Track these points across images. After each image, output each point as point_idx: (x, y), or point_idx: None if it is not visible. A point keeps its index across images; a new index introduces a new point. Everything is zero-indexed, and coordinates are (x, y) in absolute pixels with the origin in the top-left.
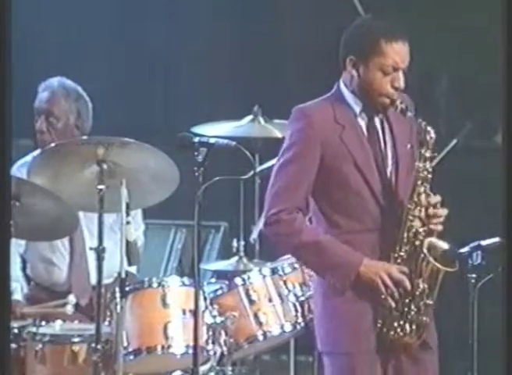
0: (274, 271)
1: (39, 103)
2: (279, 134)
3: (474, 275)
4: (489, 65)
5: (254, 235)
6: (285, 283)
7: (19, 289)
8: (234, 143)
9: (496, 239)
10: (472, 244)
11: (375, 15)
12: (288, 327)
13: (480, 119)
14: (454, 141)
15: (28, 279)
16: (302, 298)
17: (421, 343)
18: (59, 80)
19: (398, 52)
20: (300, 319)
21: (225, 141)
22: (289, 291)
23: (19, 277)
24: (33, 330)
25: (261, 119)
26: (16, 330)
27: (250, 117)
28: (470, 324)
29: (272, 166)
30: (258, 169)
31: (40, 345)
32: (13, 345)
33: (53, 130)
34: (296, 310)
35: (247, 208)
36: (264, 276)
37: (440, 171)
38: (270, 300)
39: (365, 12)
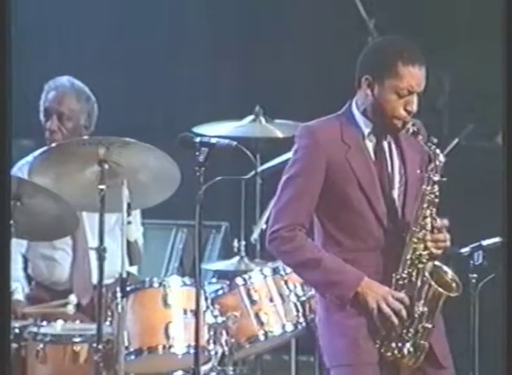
0: (275, 271)
1: (50, 102)
2: (280, 134)
3: (475, 275)
4: (490, 66)
5: (255, 235)
6: (286, 283)
7: (20, 289)
8: (235, 143)
9: (497, 239)
10: (473, 244)
11: (377, 20)
12: (289, 327)
13: (481, 120)
14: (455, 141)
15: (29, 279)
16: (303, 298)
17: (432, 361)
18: (69, 79)
19: (414, 76)
20: (301, 319)
21: (227, 141)
22: (291, 290)
23: (21, 277)
24: (35, 329)
25: (263, 119)
26: (17, 330)
27: (252, 117)
28: (471, 324)
29: (273, 166)
30: (259, 169)
31: (41, 345)
32: (14, 345)
33: (64, 129)
34: (298, 310)
35: (248, 209)
36: (265, 276)
37: (441, 171)
38: (271, 300)
39: (368, 16)
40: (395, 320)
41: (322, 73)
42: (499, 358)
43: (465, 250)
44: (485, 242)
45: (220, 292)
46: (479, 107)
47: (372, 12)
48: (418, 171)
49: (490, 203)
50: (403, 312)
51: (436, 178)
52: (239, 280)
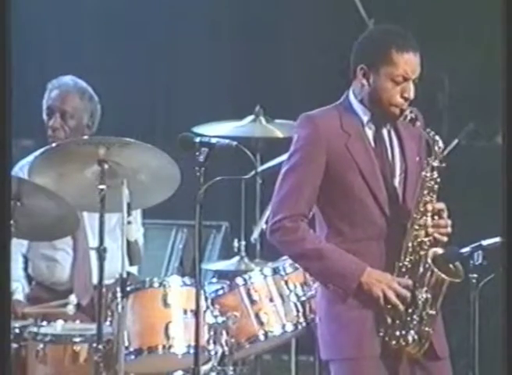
0: (275, 271)
1: (53, 101)
2: (280, 134)
3: (475, 275)
4: (491, 66)
5: (255, 235)
6: (286, 283)
7: (20, 289)
8: (235, 143)
9: (497, 239)
10: (473, 244)
11: (377, 19)
12: (289, 327)
13: (481, 120)
14: (456, 141)
15: (29, 279)
16: (303, 298)
17: (430, 352)
18: (72, 78)
19: (409, 63)
20: (301, 319)
21: (227, 141)
22: (291, 290)
23: (21, 277)
24: (35, 329)
25: (263, 119)
26: (17, 330)
27: (252, 117)
28: (471, 323)
29: (273, 165)
30: (260, 169)
31: (41, 345)
32: (14, 345)
33: (67, 127)
34: (298, 310)
35: (248, 208)
36: (265, 276)
37: (441, 171)
38: (271, 300)
39: (368, 16)
40: (401, 308)
41: (322, 73)
42: (499, 358)
43: (465, 250)
44: (485, 242)
45: (220, 292)
46: (479, 107)
47: (372, 12)
48: (417, 158)
49: (490, 203)
50: (409, 298)
51: (436, 164)
52: (239, 280)
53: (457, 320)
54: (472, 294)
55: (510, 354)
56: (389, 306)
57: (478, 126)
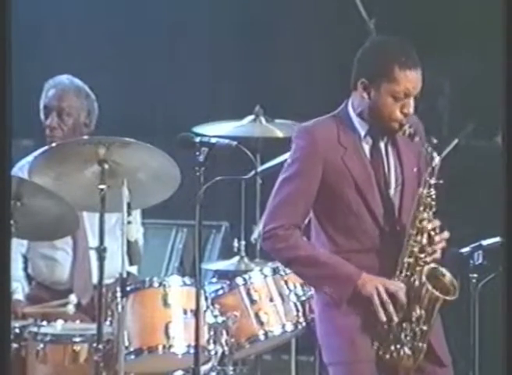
0: (275, 271)
1: (50, 100)
2: (280, 134)
3: (475, 275)
4: (491, 66)
5: (255, 235)
6: (286, 282)
7: (20, 289)
8: (235, 143)
9: (497, 239)
10: (473, 244)
11: (378, 20)
12: (289, 327)
13: (481, 120)
14: (455, 141)
15: (29, 279)
16: (303, 298)
17: (433, 358)
18: (68, 77)
19: (411, 80)
20: (301, 319)
21: (227, 141)
22: (291, 290)
23: (21, 277)
24: (35, 329)
25: (263, 119)
26: (17, 330)
27: (252, 117)
28: (471, 324)
29: (273, 165)
30: (259, 169)
31: (41, 345)
32: (14, 345)
33: (64, 126)
34: (298, 310)
35: (248, 208)
36: (265, 276)
37: (441, 171)
38: (271, 300)
39: (369, 17)
40: (392, 311)
41: (322, 73)
42: (499, 358)
43: (465, 250)
44: (485, 242)
45: (220, 292)
46: (479, 107)
47: (372, 13)
48: (415, 170)
49: (490, 203)
50: (402, 296)
51: (433, 181)
52: (239, 280)
53: (457, 320)
54: (472, 294)
55: (510, 354)
56: (377, 309)
57: (478, 126)
